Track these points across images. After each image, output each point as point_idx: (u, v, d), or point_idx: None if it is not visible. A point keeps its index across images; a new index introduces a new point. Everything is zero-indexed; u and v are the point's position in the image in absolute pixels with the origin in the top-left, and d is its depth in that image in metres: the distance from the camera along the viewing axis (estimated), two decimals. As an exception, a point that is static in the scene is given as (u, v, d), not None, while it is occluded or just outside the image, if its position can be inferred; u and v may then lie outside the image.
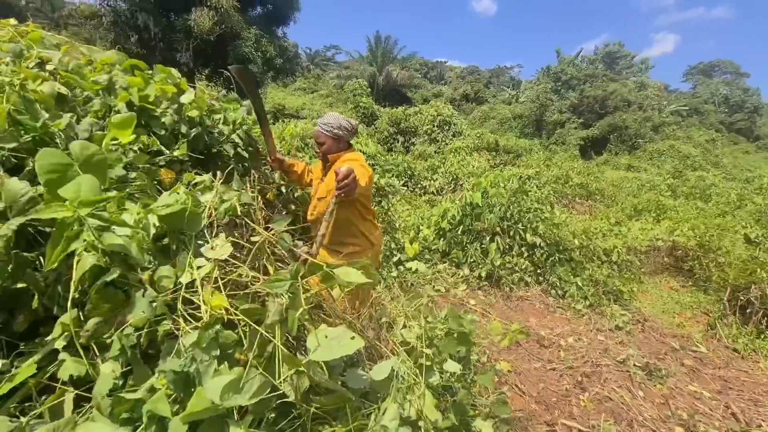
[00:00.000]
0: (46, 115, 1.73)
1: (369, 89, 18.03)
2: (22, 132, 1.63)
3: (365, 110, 15.78)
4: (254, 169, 3.41)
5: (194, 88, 2.99)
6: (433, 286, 4.76)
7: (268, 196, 3.41)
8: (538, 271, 5.14)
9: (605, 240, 5.93)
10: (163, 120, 2.49)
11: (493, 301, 4.66)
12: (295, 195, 3.97)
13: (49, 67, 2.10)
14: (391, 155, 10.39)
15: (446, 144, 13.20)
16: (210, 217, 1.44)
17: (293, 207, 4.05)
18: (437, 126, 14.71)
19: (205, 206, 1.46)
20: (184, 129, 2.57)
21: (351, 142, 2.54)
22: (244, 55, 15.04)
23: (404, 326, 1.87)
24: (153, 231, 1.27)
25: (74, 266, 1.10)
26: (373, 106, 16.04)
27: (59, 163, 1.40)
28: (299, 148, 8.21)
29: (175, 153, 2.35)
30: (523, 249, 5.15)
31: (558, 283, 4.98)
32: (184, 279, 1.16)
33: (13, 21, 2.47)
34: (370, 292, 2.48)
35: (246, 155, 3.09)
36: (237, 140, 3.07)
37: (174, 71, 2.88)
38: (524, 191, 5.54)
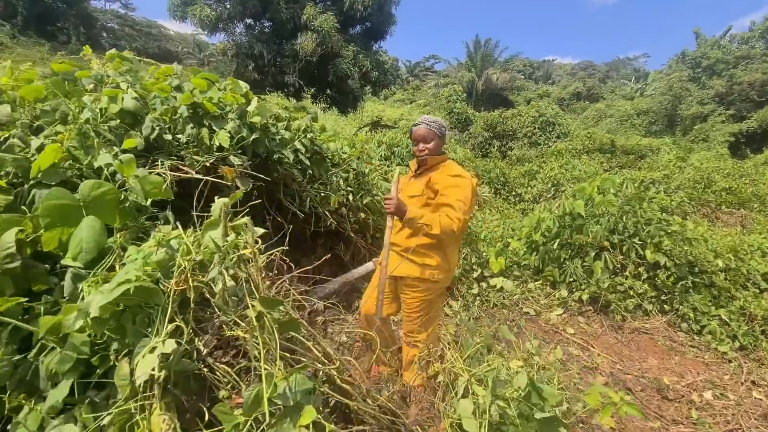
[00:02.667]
0: (104, 151, 1.79)
1: (464, 94, 17.42)
2: (76, 166, 1.67)
3: (459, 115, 15.24)
4: (316, 173, 3.34)
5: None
6: (521, 308, 4.12)
7: (331, 203, 3.30)
8: (663, 297, 4.10)
9: (765, 261, 4.51)
10: (226, 123, 2.54)
11: (598, 332, 3.83)
12: (364, 202, 3.81)
13: (123, 85, 2.24)
14: (484, 161, 9.73)
15: (549, 147, 11.92)
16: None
17: (362, 215, 3.88)
18: (539, 128, 13.44)
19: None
20: (245, 132, 2.59)
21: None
22: (343, 71, 15.85)
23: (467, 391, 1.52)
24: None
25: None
26: (467, 110, 15.42)
27: (65, 205, 1.39)
28: (386, 157, 8.17)
29: (218, 142, 2.36)
30: (641, 269, 4.17)
31: (692, 315, 3.89)
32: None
33: (177, 65, 2.74)
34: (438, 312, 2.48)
35: (307, 162, 3.02)
36: (299, 146, 3.02)
37: (243, 83, 2.94)
38: (643, 198, 4.52)
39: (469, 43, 39.59)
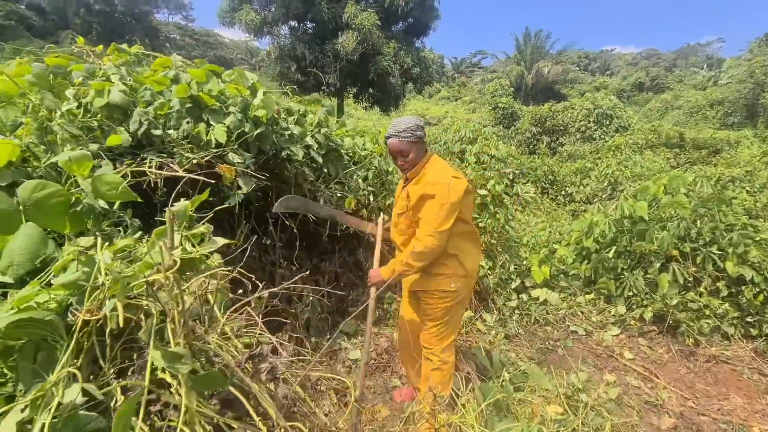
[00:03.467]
0: (67, 148, 1.61)
1: (511, 89, 16.50)
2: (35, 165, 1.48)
3: (504, 110, 14.40)
4: (332, 171, 3.05)
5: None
6: (568, 326, 3.58)
7: (346, 204, 3.00)
8: (749, 319, 3.38)
9: None
10: (226, 117, 2.32)
11: (664, 358, 3.21)
12: (387, 203, 3.47)
13: (114, 78, 2.08)
14: (530, 158, 9.02)
15: (606, 142, 10.85)
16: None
17: (385, 217, 3.53)
18: (594, 121, 12.33)
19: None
20: (247, 127, 2.35)
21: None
22: (383, 69, 15.62)
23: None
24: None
25: None
26: (513, 105, 14.54)
27: (1, 211, 1.19)
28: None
29: (215, 138, 2.13)
30: (719, 284, 3.47)
31: (788, 343, 3.16)
32: None
33: (176, 56, 2.62)
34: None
35: (320, 159, 2.74)
36: (311, 142, 2.75)
37: (252, 75, 2.73)
38: (723, 200, 3.79)
39: (519, 36, 37.93)
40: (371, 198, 3.24)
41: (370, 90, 19.58)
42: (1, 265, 1.15)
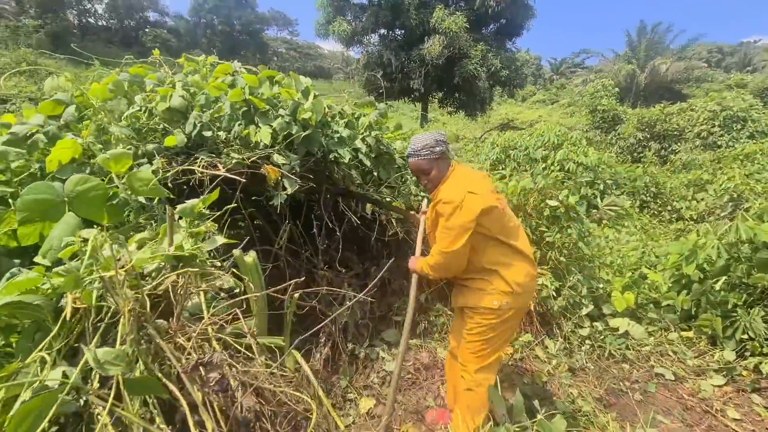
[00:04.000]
0: (120, 147, 1.78)
1: (615, 89, 14.78)
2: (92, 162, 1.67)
3: (605, 113, 12.87)
4: (383, 175, 2.98)
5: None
6: (652, 366, 3.01)
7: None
8: None
9: None
10: (274, 119, 2.41)
11: (787, 426, 2.50)
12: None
13: (177, 85, 2.28)
14: (631, 167, 7.92)
15: (734, 149, 9.04)
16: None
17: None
18: (720, 125, 10.38)
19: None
20: (294, 129, 2.41)
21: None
22: (469, 73, 15.19)
23: None
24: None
25: None
26: (616, 107, 12.92)
27: (46, 200, 1.33)
28: (500, 160, 7.34)
29: (260, 139, 2.21)
30: None
31: None
32: None
33: (236, 63, 2.88)
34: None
35: (368, 162, 2.70)
36: (360, 145, 2.72)
37: (305, 79, 2.80)
38: None
39: (631, 31, 33.93)
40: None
41: (456, 94, 19.21)
42: (43, 248, 1.29)
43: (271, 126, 2.34)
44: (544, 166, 6.60)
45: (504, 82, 17.12)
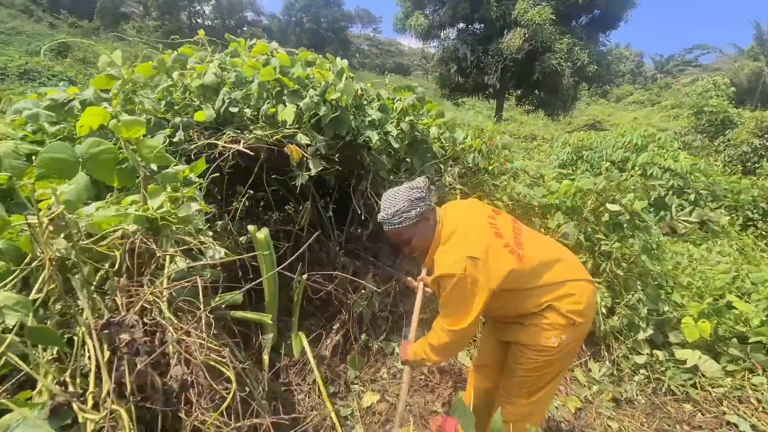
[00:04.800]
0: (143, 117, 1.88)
1: (730, 89, 12.68)
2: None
3: (711, 116, 11.01)
4: (416, 163, 2.82)
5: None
6: (723, 413, 2.48)
7: None
8: None
9: None
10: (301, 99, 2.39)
11: None
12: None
13: (215, 62, 2.37)
14: (736, 178, 6.72)
15: None
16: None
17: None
18: None
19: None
20: (322, 110, 2.38)
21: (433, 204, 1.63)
22: (551, 68, 14.11)
23: None
24: None
25: None
26: (727, 109, 10.99)
27: (62, 159, 1.43)
28: (571, 162, 6.69)
29: (285, 117, 2.19)
30: None
31: None
32: None
33: (274, 44, 2.96)
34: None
35: (396, 145, 2.58)
36: (391, 129, 2.61)
37: (342, 61, 2.76)
38: None
39: (761, 24, 28.98)
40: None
41: (536, 91, 17.99)
42: (88, 212, 1.39)
43: (298, 105, 2.33)
44: (622, 169, 5.87)
45: (591, 79, 15.61)
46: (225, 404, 0.93)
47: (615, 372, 2.72)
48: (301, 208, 2.57)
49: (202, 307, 1.11)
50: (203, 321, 1.08)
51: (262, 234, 2.08)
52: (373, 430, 2.02)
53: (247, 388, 1.55)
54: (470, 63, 15.66)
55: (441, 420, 2.14)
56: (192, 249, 1.29)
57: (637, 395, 2.59)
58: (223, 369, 1.00)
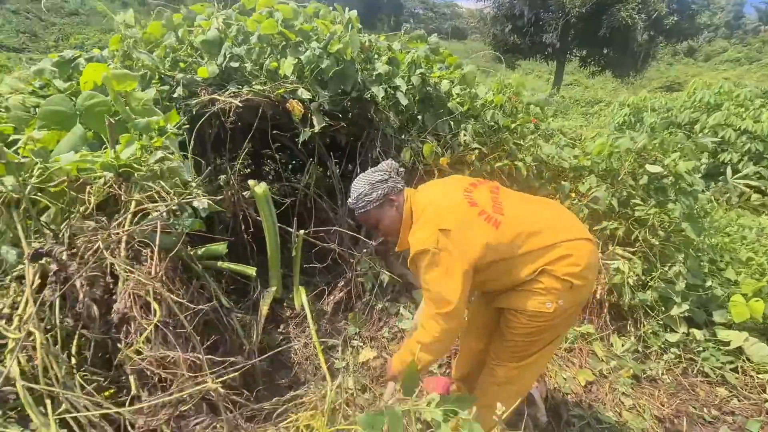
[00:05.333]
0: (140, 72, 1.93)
1: None
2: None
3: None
4: (428, 120, 2.68)
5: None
6: (766, 400, 2.19)
7: (428, 152, 2.60)
8: None
9: None
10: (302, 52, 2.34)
11: None
12: (496, 165, 2.87)
13: (219, 17, 2.37)
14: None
15: None
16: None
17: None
18: None
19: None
20: (325, 63, 2.31)
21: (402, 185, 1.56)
22: (621, 22, 12.56)
23: None
24: None
25: None
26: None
27: (61, 112, 1.51)
28: (629, 124, 6.03)
29: (283, 71, 2.17)
30: None
31: None
32: None
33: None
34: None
35: (404, 101, 2.45)
36: (400, 83, 2.49)
37: (352, 12, 2.66)
38: None
39: None
40: (474, 158, 2.71)
41: (604, 50, 16.21)
42: (54, 152, 1.50)
43: (299, 59, 2.28)
44: (689, 133, 5.17)
45: (670, 33, 13.70)
46: (144, 334, 0.96)
47: (640, 349, 2.50)
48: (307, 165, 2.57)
49: (156, 249, 1.15)
50: (155, 262, 1.12)
51: (261, 188, 2.12)
52: (365, 383, 2.04)
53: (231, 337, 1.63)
54: (527, 20, 14.41)
55: (434, 380, 2.12)
56: (167, 198, 1.33)
57: (662, 374, 2.37)
58: (155, 304, 1.02)
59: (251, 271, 1.86)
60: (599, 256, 1.54)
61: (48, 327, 0.87)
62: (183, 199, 1.47)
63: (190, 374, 1.01)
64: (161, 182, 1.35)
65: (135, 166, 1.30)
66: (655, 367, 2.41)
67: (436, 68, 2.85)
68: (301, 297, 2.31)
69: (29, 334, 0.83)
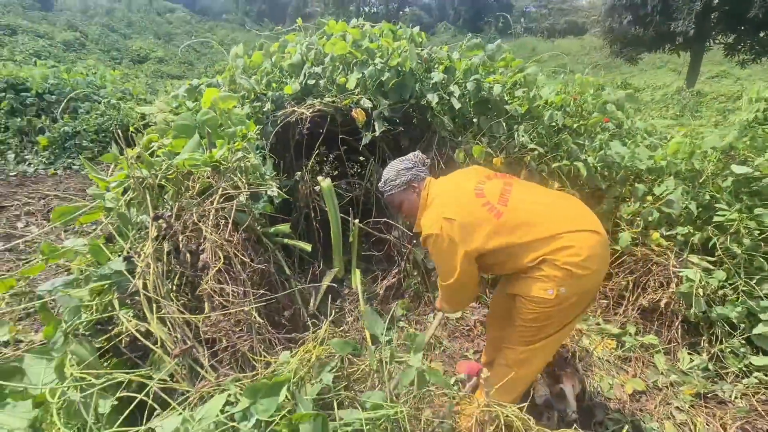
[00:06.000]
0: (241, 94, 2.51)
1: None
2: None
3: None
4: (483, 123, 2.81)
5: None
6: None
7: (474, 153, 2.74)
8: None
9: None
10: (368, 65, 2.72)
11: None
12: (553, 165, 2.86)
13: (303, 44, 2.90)
14: None
15: None
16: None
17: (556, 184, 3.02)
18: None
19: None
20: (385, 76, 2.66)
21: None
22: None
23: None
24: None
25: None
26: None
27: (187, 125, 2.14)
28: (761, 120, 5.08)
29: (348, 85, 2.56)
30: None
31: None
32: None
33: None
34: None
35: (457, 105, 2.67)
36: (454, 89, 2.71)
37: (414, 29, 2.95)
38: None
39: None
40: (530, 160, 2.75)
41: (761, 33, 13.44)
42: (180, 155, 2.11)
43: (363, 73, 2.66)
44: None
45: None
46: (211, 273, 1.40)
47: (710, 367, 2.25)
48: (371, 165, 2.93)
49: (230, 222, 1.61)
50: (229, 230, 1.57)
51: (326, 183, 2.54)
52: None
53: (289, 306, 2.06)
54: (651, 8, 12.77)
55: (465, 364, 2.27)
56: (244, 187, 1.81)
57: (735, 397, 2.12)
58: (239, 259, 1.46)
59: (307, 247, 2.27)
60: (607, 248, 1.56)
61: (160, 263, 1.35)
62: (256, 188, 1.94)
63: (238, 302, 1.43)
64: (239, 175, 1.83)
65: (223, 163, 1.80)
66: (729, 389, 2.16)
67: (499, 72, 2.97)
68: (356, 278, 2.67)
69: (148, 264, 1.32)
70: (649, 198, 2.78)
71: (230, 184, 1.79)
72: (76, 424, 1.08)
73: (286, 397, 0.98)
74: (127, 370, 1.11)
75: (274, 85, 2.81)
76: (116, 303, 1.20)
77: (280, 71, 2.84)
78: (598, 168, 2.81)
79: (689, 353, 2.38)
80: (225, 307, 1.38)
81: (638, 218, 2.76)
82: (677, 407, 2.07)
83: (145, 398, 1.05)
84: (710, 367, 2.27)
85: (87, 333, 1.17)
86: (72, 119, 6.24)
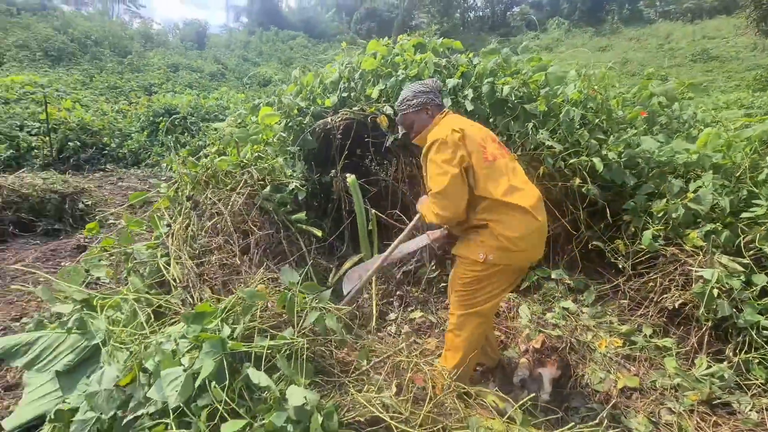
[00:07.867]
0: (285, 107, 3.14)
1: None
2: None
3: None
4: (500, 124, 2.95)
5: (493, 47, 3.15)
6: None
7: None
8: None
9: None
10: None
11: None
12: (572, 161, 2.86)
13: (343, 62, 3.43)
14: None
15: None
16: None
17: (576, 181, 3.07)
18: None
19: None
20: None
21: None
22: None
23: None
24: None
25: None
26: None
27: (242, 135, 2.85)
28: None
29: (373, 95, 2.98)
30: None
31: None
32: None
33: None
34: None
35: (470, 107, 2.91)
36: (468, 92, 2.96)
37: (436, 40, 3.26)
38: None
39: None
40: (550, 159, 2.78)
41: None
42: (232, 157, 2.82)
43: (386, 84, 3.06)
44: None
45: None
46: (218, 242, 1.96)
47: (726, 375, 2.05)
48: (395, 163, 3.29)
49: (255, 209, 2.18)
50: (253, 213, 2.14)
51: (351, 178, 3.00)
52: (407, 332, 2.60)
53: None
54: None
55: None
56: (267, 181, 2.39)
57: (749, 410, 1.91)
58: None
59: (318, 232, 2.75)
60: (543, 236, 1.74)
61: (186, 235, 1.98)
62: (276, 182, 2.50)
63: (247, 270, 1.97)
64: (258, 172, 2.42)
65: (246, 162, 2.41)
66: (746, 401, 1.96)
67: (522, 72, 3.07)
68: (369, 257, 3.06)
69: (178, 229, 1.96)
70: (690, 195, 2.58)
71: (251, 178, 2.38)
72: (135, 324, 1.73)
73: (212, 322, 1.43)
74: (158, 295, 1.73)
75: (318, 101, 3.39)
76: (159, 254, 1.86)
77: (323, 88, 3.41)
78: (621, 164, 2.70)
79: (709, 361, 2.18)
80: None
81: (671, 216, 2.58)
82: (669, 408, 1.97)
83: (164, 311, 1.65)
84: (727, 376, 2.06)
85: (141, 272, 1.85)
86: (204, 135, 7.93)
